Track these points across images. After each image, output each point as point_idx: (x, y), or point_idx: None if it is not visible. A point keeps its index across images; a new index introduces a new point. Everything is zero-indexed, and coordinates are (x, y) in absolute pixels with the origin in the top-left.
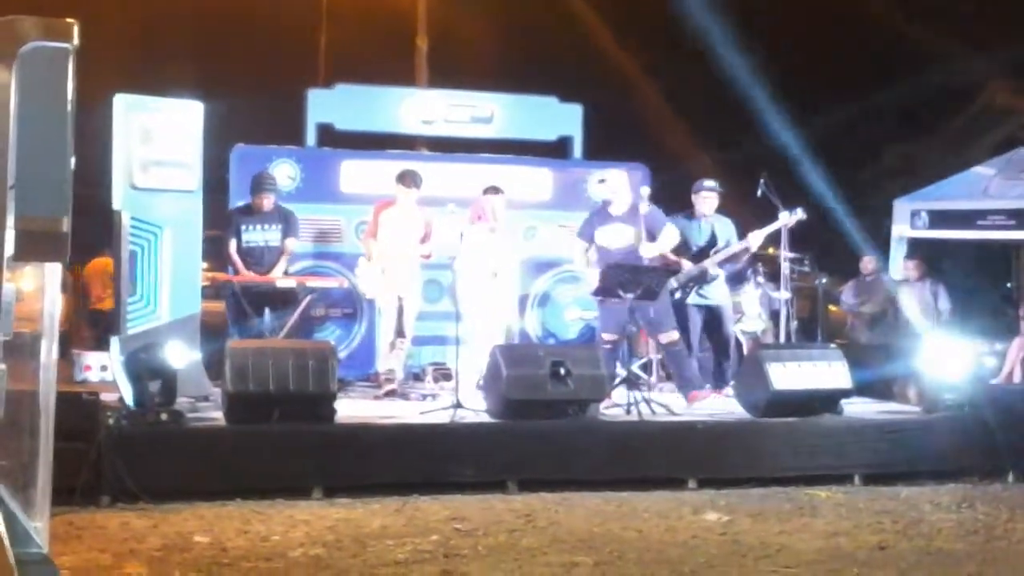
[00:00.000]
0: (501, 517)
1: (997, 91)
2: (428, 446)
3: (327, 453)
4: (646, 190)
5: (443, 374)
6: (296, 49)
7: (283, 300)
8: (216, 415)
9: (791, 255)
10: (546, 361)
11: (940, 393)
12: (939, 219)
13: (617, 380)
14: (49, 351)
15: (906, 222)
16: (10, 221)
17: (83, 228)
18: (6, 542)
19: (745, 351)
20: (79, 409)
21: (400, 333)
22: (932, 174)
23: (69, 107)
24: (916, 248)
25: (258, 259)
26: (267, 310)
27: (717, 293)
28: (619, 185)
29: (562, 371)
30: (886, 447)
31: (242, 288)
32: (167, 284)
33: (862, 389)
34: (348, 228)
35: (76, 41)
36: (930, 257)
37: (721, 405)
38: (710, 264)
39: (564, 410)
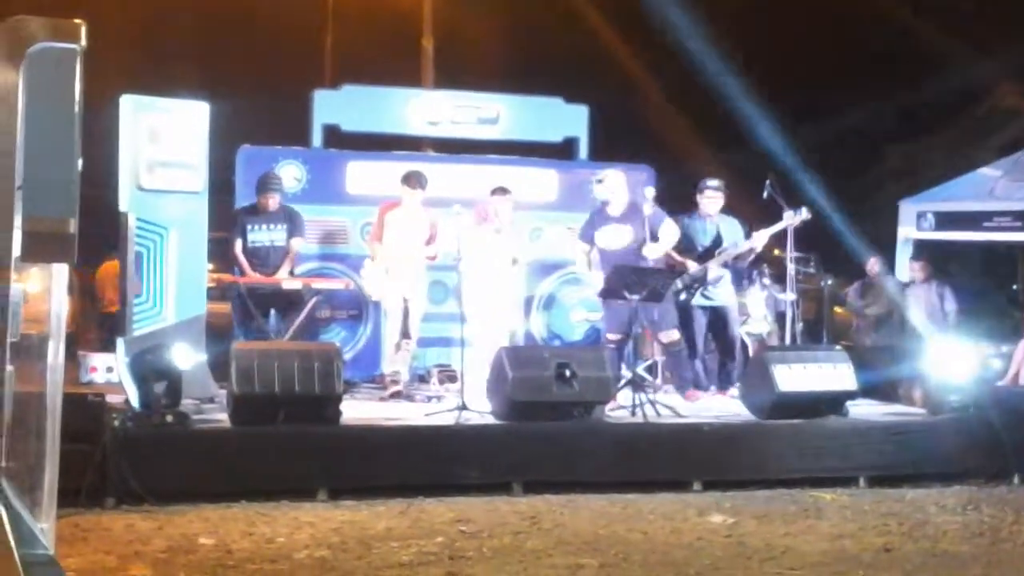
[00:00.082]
0: (506, 519)
1: (1005, 94)
2: (433, 448)
3: (332, 455)
4: (651, 191)
5: (448, 376)
6: (302, 50)
7: (289, 301)
8: (221, 417)
9: (797, 256)
10: (551, 363)
11: (945, 395)
12: (945, 220)
13: (623, 382)
14: (56, 353)
15: (912, 223)
16: (17, 222)
17: (93, 231)
18: (12, 543)
19: (750, 353)
20: (85, 410)
21: (405, 335)
22: (937, 175)
23: (76, 108)
24: (922, 250)
25: (263, 259)
26: (273, 312)
27: (722, 294)
28: (616, 185)
29: (567, 373)
30: (891, 449)
31: (248, 289)
32: (173, 285)
33: (867, 391)
34: (354, 229)
35: (84, 42)
36: (936, 259)
37: (726, 407)
38: (715, 264)
39: (569, 412)
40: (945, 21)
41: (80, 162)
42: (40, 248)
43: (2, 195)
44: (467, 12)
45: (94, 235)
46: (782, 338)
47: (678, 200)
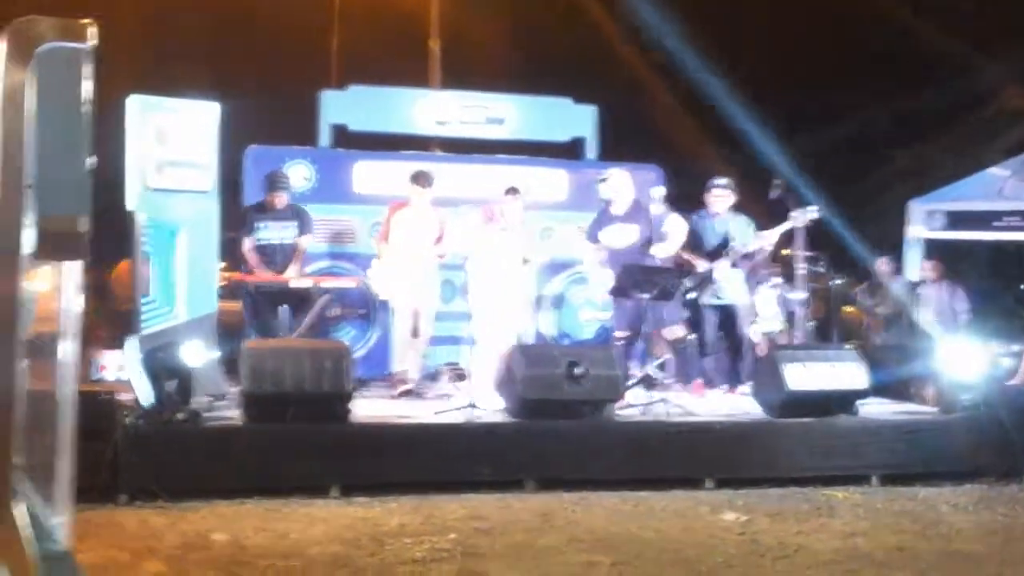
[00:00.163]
0: (519, 516)
1: (1012, 96)
2: (445, 445)
3: (345, 452)
4: (660, 191)
5: (458, 374)
6: (309, 50)
7: (299, 300)
8: (232, 414)
9: (807, 255)
10: (562, 361)
11: (957, 394)
12: (954, 220)
13: (634, 380)
14: (68, 350)
15: (921, 223)
16: (28, 220)
17: (108, 231)
18: (27, 536)
19: (761, 351)
20: (96, 408)
21: (415, 333)
22: (944, 176)
23: (86, 107)
24: (933, 249)
25: (272, 256)
26: (283, 310)
27: (732, 292)
28: (620, 184)
29: (577, 371)
30: (903, 447)
31: (258, 288)
32: (183, 284)
33: (879, 390)
34: (362, 229)
35: (93, 42)
36: (945, 258)
37: (737, 405)
38: (724, 263)
39: (579, 410)
40: (946, 21)
41: (93, 160)
42: (51, 247)
43: (13, 194)
44: (474, 13)
45: (112, 235)
46: (792, 337)
47: (687, 199)
